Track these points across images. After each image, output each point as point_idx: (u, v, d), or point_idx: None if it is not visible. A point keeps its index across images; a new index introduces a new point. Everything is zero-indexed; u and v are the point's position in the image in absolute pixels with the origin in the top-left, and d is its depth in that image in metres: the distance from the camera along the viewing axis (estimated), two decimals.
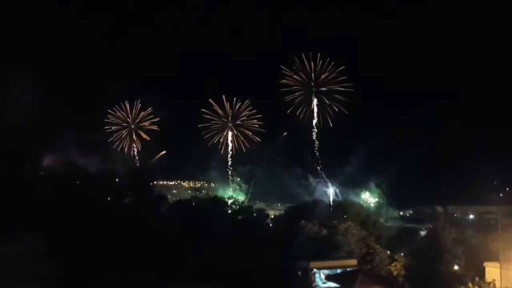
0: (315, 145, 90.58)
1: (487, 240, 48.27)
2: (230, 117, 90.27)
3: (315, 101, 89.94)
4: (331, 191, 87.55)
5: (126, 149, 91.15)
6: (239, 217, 57.28)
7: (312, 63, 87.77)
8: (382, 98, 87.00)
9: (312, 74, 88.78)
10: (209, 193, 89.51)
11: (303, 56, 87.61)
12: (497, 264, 41.27)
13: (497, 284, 41.20)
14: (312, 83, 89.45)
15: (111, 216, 48.78)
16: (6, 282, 32.35)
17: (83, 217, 45.16)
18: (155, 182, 70.03)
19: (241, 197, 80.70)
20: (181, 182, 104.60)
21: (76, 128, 77.84)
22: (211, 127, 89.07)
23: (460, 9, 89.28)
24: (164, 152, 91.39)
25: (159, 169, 78.55)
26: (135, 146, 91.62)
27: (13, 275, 32.24)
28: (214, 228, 48.64)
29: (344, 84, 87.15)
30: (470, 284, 43.28)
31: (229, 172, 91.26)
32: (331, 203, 71.61)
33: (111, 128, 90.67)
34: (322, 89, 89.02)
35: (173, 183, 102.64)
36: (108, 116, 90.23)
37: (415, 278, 43.44)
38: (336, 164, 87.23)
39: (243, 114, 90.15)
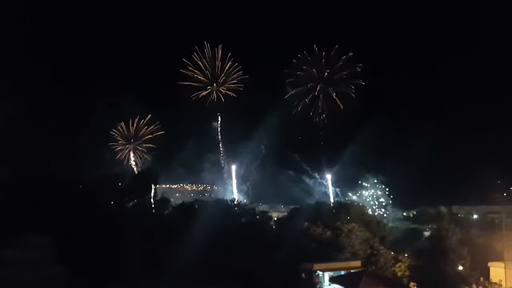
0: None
1: (491, 240, 48.19)
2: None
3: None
4: (332, 192, 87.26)
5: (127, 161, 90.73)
6: (243, 219, 57.17)
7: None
8: (382, 98, 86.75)
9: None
10: (212, 195, 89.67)
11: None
12: (501, 264, 41.12)
13: (503, 284, 41.02)
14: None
15: (116, 219, 48.91)
16: (15, 286, 32.39)
17: (88, 220, 45.35)
18: (157, 186, 70.06)
19: (243, 199, 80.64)
20: (184, 185, 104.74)
21: (74, 131, 77.42)
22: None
23: None
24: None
25: (160, 172, 77.76)
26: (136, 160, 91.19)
27: (22, 279, 32.27)
28: (217, 230, 48.58)
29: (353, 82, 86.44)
30: (474, 285, 43.22)
31: (224, 174, 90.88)
32: (334, 204, 71.31)
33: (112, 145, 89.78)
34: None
35: (175, 186, 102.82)
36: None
37: (420, 279, 43.30)
38: (337, 164, 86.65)
39: None
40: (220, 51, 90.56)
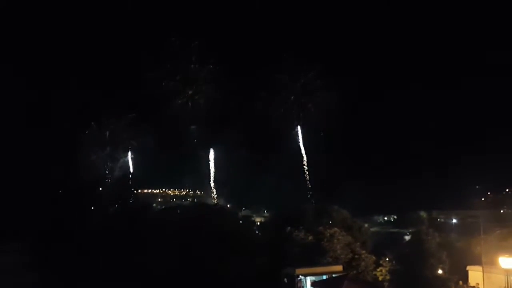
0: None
1: (470, 244, 48.95)
2: None
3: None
4: (314, 197, 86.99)
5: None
6: (225, 224, 56.97)
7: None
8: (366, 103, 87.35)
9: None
10: (195, 200, 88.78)
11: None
12: (480, 268, 41.74)
13: (480, 287, 41.69)
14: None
15: (95, 225, 48.32)
16: None
17: (66, 226, 44.76)
18: (139, 191, 69.30)
19: (225, 204, 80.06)
20: (166, 190, 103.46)
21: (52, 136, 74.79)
22: None
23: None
24: None
25: (141, 177, 75.62)
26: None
27: None
28: (200, 235, 48.34)
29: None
30: None
31: (206, 179, 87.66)
32: (316, 209, 71.42)
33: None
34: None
35: (157, 191, 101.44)
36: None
37: (400, 283, 43.77)
38: (319, 170, 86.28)
39: None
40: (196, 51, 76.45)
